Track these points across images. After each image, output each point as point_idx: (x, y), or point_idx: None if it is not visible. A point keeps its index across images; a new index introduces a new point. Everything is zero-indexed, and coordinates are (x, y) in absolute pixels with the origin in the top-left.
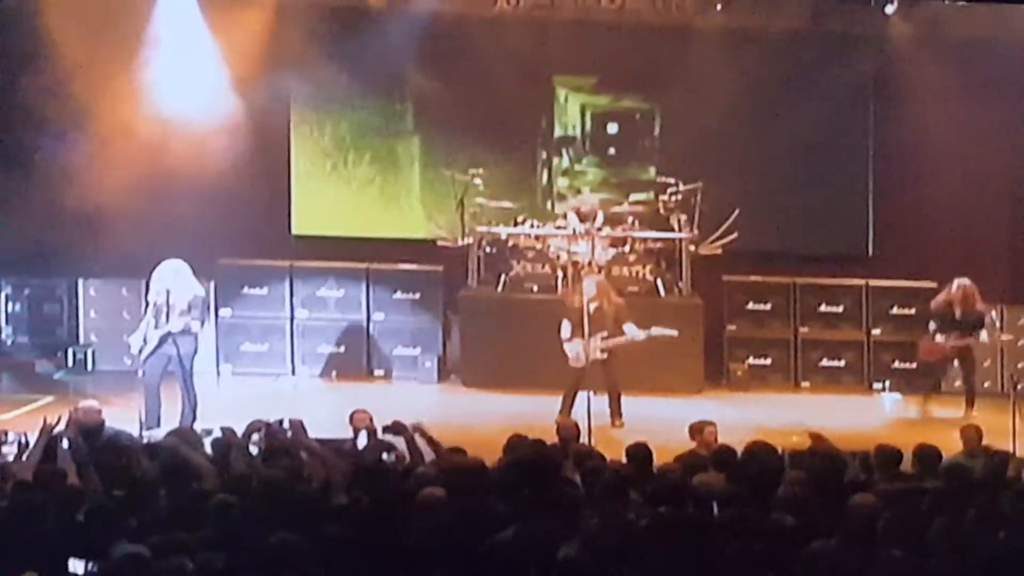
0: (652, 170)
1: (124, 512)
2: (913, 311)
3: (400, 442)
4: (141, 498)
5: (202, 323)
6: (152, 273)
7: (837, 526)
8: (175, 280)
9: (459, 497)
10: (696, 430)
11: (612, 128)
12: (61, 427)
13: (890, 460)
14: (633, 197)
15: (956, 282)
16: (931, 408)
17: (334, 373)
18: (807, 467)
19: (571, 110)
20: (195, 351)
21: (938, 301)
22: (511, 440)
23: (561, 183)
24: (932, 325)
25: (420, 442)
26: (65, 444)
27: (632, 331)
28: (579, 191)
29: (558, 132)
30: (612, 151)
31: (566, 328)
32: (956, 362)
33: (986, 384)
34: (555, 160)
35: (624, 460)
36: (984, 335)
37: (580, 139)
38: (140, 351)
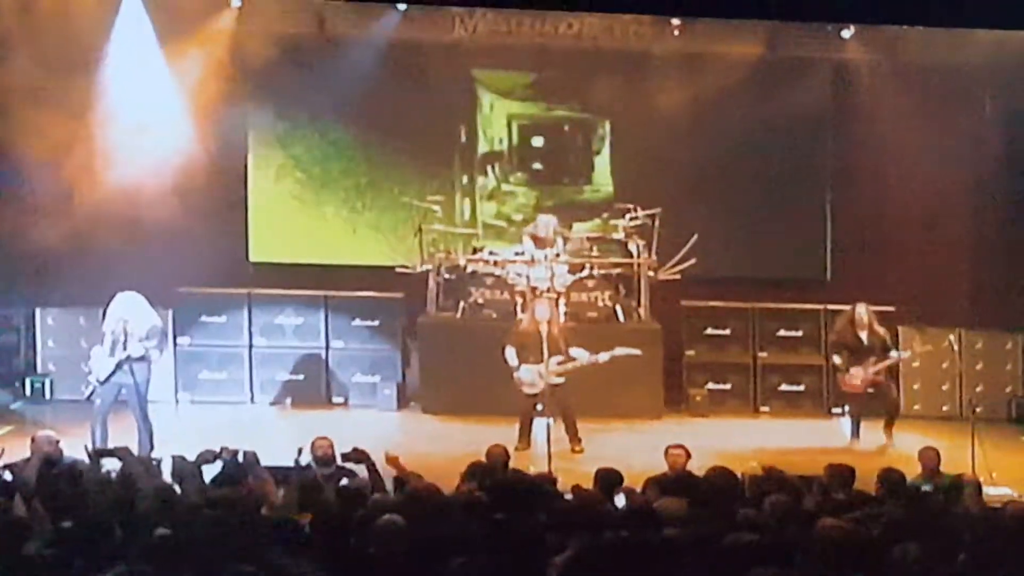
0: (598, 190)
1: (78, 544)
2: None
3: (361, 470)
4: (95, 529)
5: (160, 352)
6: (108, 305)
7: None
8: (134, 311)
9: (418, 524)
10: (664, 453)
11: (543, 143)
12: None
13: (842, 479)
14: (576, 227)
15: (856, 307)
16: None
17: (292, 401)
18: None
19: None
20: (149, 379)
21: (840, 332)
22: (471, 467)
23: (487, 209)
24: (837, 359)
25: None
26: (8, 475)
27: (580, 354)
28: (509, 219)
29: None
30: (540, 166)
31: (511, 355)
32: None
33: (945, 408)
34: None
35: (592, 485)
36: (896, 354)
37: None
38: (96, 378)
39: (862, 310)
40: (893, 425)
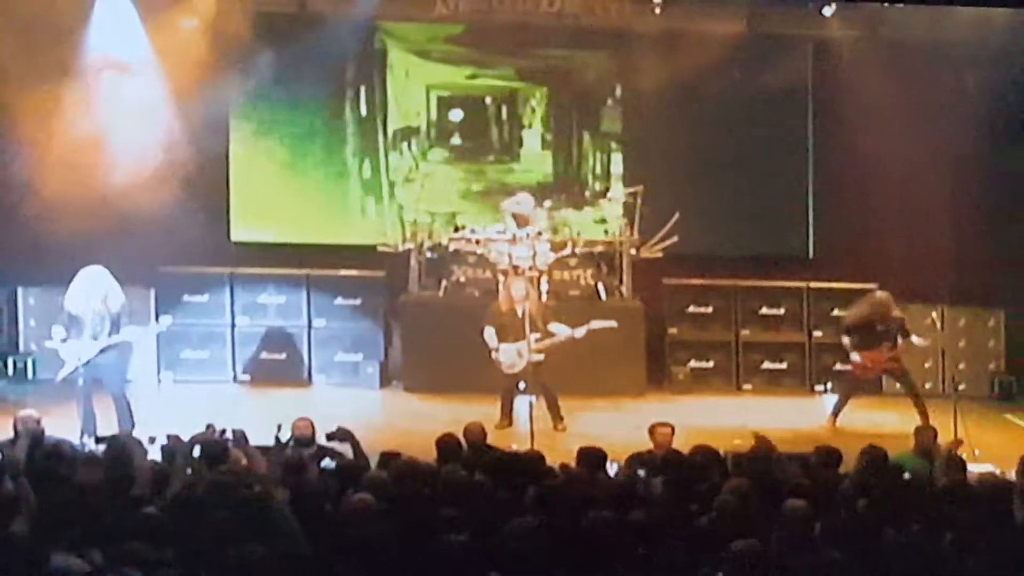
0: (530, 170)
1: (65, 521)
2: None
3: (346, 448)
4: (83, 507)
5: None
6: (76, 281)
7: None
8: (109, 288)
9: (406, 502)
10: (650, 431)
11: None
12: None
13: (830, 460)
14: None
15: (873, 295)
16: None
17: (275, 380)
18: (748, 471)
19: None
20: (129, 358)
21: (854, 316)
22: (443, 444)
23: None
24: (847, 340)
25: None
26: None
27: (560, 329)
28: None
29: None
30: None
31: (491, 335)
32: (887, 377)
33: (927, 386)
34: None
35: (574, 463)
36: (916, 339)
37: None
38: (79, 359)
39: (883, 296)
40: (924, 405)
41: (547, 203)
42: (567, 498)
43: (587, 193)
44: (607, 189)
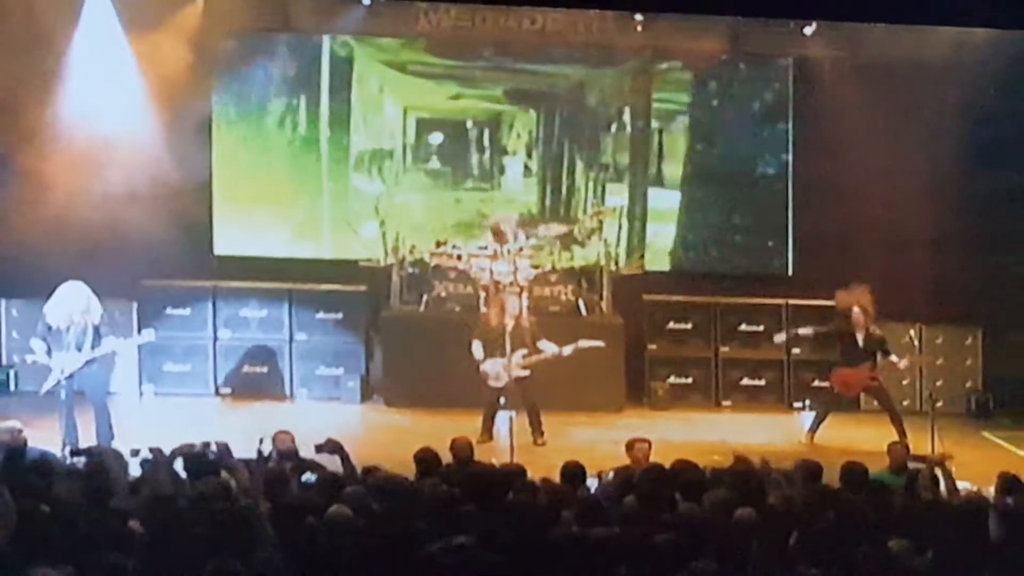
0: (512, 200)
1: (44, 533)
2: (833, 330)
3: (334, 461)
4: (63, 519)
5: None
6: (56, 295)
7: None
8: (90, 301)
9: (387, 515)
10: (628, 446)
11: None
12: None
13: (810, 475)
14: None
15: (852, 309)
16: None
17: (256, 393)
18: (729, 485)
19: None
20: (111, 369)
21: (838, 332)
22: (421, 458)
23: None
24: (807, 332)
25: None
26: None
27: (548, 347)
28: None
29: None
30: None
31: (478, 348)
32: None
33: (905, 403)
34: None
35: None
36: (896, 359)
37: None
38: (62, 372)
39: (857, 311)
40: (902, 424)
41: (531, 239)
42: (539, 512)
43: (576, 230)
44: (599, 220)
